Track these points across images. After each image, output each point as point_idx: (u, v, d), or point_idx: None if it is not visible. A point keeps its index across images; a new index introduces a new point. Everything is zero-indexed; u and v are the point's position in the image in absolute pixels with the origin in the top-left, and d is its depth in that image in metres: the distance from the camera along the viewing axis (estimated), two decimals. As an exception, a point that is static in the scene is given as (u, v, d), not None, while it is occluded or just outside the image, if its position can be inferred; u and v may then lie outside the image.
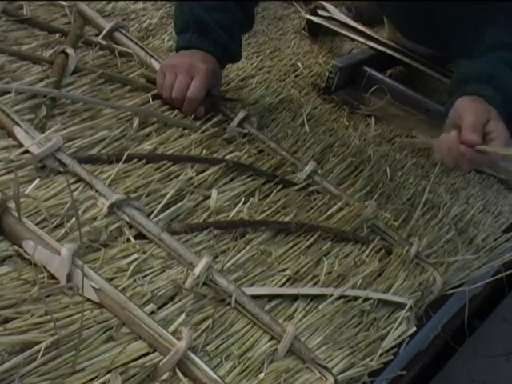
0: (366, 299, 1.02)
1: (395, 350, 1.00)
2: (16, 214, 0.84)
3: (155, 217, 0.99)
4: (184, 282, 0.90)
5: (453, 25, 1.41)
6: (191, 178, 1.08)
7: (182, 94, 1.22)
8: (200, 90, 1.22)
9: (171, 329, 0.82)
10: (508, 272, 1.26)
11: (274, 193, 1.15)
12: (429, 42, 1.62)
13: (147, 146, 1.12)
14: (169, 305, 0.87)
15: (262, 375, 0.85)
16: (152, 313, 0.84)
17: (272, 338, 0.90)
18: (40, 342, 0.71)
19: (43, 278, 0.80)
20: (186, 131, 1.20)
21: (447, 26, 1.44)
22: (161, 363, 0.78)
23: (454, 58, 1.68)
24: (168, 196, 1.02)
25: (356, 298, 1.02)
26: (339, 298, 1.00)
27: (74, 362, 0.73)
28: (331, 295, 1.00)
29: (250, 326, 0.91)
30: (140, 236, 0.95)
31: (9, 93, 1.06)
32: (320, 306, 0.98)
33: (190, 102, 1.23)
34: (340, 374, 0.91)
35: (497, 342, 1.54)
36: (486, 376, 1.46)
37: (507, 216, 1.42)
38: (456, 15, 1.38)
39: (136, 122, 1.14)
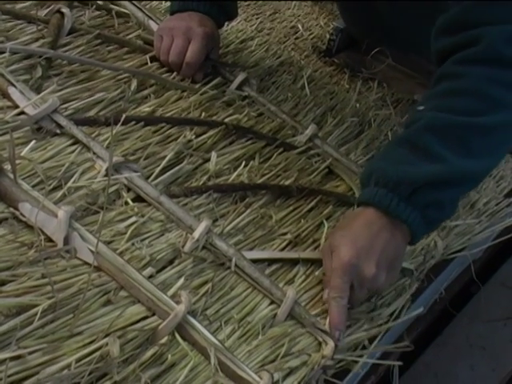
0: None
1: (396, 315, 0.99)
2: (12, 175, 0.83)
3: (154, 180, 0.98)
4: (183, 246, 0.90)
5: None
6: (190, 141, 1.07)
7: (179, 57, 1.20)
8: (198, 54, 1.20)
9: (170, 292, 0.82)
10: (508, 236, 1.25)
11: (274, 156, 1.14)
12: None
13: (145, 109, 1.11)
14: (168, 268, 0.87)
15: (261, 339, 0.85)
16: (151, 276, 0.83)
17: (272, 302, 0.90)
18: (37, 305, 0.70)
19: (40, 240, 0.79)
20: (185, 93, 1.18)
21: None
22: (160, 327, 0.77)
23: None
24: (167, 159, 1.01)
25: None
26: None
27: (72, 325, 0.72)
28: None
29: (249, 290, 0.90)
30: (138, 199, 0.94)
31: (3, 53, 1.04)
32: (321, 271, 0.97)
33: (189, 66, 1.21)
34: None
35: (495, 307, 1.54)
36: (484, 341, 1.47)
37: (509, 180, 1.41)
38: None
39: (134, 83, 1.12)
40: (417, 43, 1.09)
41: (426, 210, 0.94)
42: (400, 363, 0.99)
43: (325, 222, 1.06)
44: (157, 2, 1.45)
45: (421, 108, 0.99)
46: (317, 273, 0.97)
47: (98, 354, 0.70)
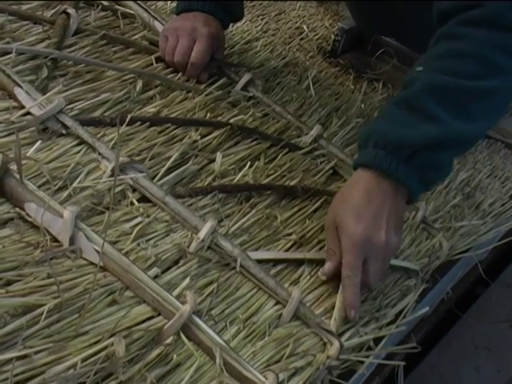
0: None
1: (401, 316, 0.99)
2: (18, 176, 0.83)
3: (159, 180, 0.98)
4: (188, 246, 0.90)
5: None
6: (195, 142, 1.07)
7: (184, 58, 1.20)
8: (203, 54, 1.20)
9: (175, 293, 0.82)
10: (513, 237, 1.26)
11: (279, 157, 1.14)
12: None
13: (151, 109, 1.11)
14: (173, 269, 0.87)
15: (266, 339, 0.85)
16: (156, 276, 0.83)
17: (277, 302, 0.90)
18: (43, 305, 0.70)
19: (46, 240, 0.79)
20: (190, 94, 1.18)
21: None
22: (165, 327, 0.77)
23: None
24: (172, 159, 1.01)
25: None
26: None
27: (78, 325, 0.72)
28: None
29: (255, 290, 0.90)
30: (144, 199, 0.94)
31: (9, 53, 1.04)
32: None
33: (194, 66, 1.21)
34: (346, 340, 0.91)
35: (501, 308, 1.54)
36: (489, 342, 1.46)
37: (514, 182, 1.41)
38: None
39: (139, 84, 1.12)
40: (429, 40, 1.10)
41: (424, 172, 0.96)
42: (404, 363, 0.99)
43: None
44: (162, 3, 1.45)
45: (419, 69, 1.00)
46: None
47: (103, 353, 0.70)
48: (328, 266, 0.95)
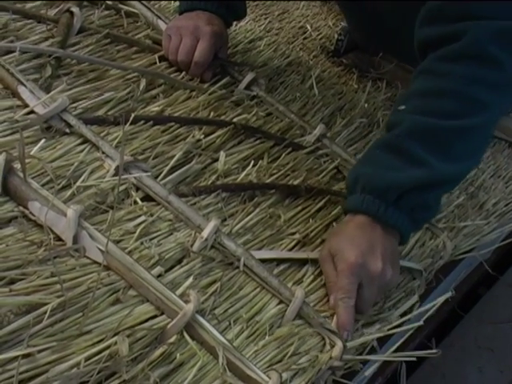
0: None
1: (405, 317, 0.99)
2: (21, 174, 0.83)
3: (162, 179, 0.98)
4: (192, 245, 0.89)
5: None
6: (199, 141, 1.07)
7: (187, 57, 1.20)
8: (206, 53, 1.20)
9: (179, 292, 0.82)
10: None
11: (282, 156, 1.14)
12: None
13: (154, 108, 1.11)
14: (176, 268, 0.87)
15: (269, 339, 0.84)
16: (159, 275, 0.83)
17: (280, 301, 0.90)
18: (46, 304, 0.70)
19: (49, 239, 0.79)
20: (194, 93, 1.18)
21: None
22: (168, 326, 0.77)
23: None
24: (175, 158, 1.01)
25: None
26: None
27: (81, 323, 0.72)
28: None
29: (258, 289, 0.90)
30: (147, 198, 0.94)
31: (13, 52, 1.04)
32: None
33: (197, 65, 1.21)
34: (349, 341, 0.90)
35: (503, 308, 1.54)
36: (492, 343, 1.46)
37: (518, 181, 1.41)
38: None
39: (143, 83, 1.12)
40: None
41: (413, 212, 0.96)
42: (413, 359, 0.98)
43: (333, 222, 1.05)
44: (166, 2, 1.45)
45: (402, 108, 0.99)
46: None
47: (106, 352, 0.70)
48: (332, 300, 0.93)
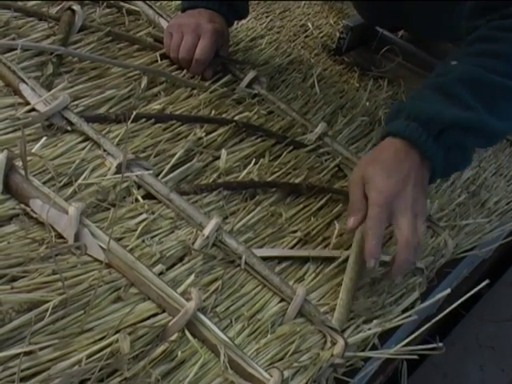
0: (378, 262, 1.01)
1: (406, 314, 0.99)
2: (23, 172, 0.83)
3: (164, 177, 0.98)
4: (193, 243, 0.90)
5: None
6: (200, 139, 1.07)
7: (189, 54, 1.20)
8: (208, 50, 1.20)
9: (180, 289, 0.82)
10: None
11: (284, 154, 1.14)
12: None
13: (155, 106, 1.11)
14: (178, 265, 0.87)
15: (271, 337, 0.84)
16: (161, 273, 0.83)
17: (282, 299, 0.90)
18: (48, 301, 0.70)
19: (51, 237, 0.79)
20: (195, 91, 1.18)
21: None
22: (170, 324, 0.77)
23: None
24: (177, 156, 1.01)
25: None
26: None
27: (83, 321, 0.72)
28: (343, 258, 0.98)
29: (259, 287, 0.90)
30: (148, 196, 0.94)
31: (15, 49, 1.04)
32: (330, 269, 0.97)
33: (198, 63, 1.21)
34: (350, 337, 0.90)
35: (505, 307, 1.54)
36: (493, 341, 1.46)
37: (520, 180, 1.41)
38: None
39: (144, 81, 1.12)
40: (434, 29, 1.12)
41: (449, 152, 0.98)
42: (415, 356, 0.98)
43: (335, 220, 1.05)
44: (167, 0, 1.45)
45: (454, 63, 1.03)
46: (327, 270, 0.97)
47: (108, 350, 0.70)
48: (353, 221, 0.94)
